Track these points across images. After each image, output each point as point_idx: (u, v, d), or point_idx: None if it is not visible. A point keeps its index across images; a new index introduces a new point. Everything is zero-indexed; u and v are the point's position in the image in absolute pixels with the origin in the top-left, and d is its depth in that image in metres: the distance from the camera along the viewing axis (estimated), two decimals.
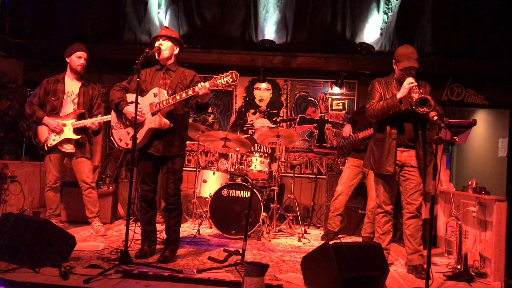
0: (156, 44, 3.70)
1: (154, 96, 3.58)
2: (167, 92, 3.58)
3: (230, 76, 3.45)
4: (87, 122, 4.54)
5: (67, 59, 4.63)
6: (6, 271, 2.96)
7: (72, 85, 4.66)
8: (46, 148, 4.53)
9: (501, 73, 6.25)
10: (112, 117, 3.85)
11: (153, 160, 3.71)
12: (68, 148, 4.59)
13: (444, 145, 3.77)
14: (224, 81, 3.45)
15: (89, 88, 4.74)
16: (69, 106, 4.61)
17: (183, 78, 3.74)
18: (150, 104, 3.58)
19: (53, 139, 4.52)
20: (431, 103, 3.32)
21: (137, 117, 3.47)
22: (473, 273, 3.70)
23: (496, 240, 3.65)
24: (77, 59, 4.60)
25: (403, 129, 3.69)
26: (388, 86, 3.77)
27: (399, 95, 3.53)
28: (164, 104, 3.52)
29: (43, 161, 4.61)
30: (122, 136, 3.75)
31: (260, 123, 6.15)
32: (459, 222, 4.01)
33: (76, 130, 4.55)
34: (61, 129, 4.51)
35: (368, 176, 4.96)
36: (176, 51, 3.80)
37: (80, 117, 4.57)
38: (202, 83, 3.45)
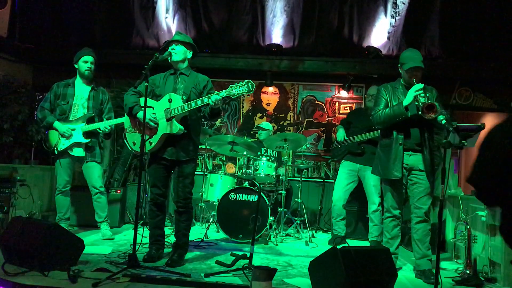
0: (170, 48, 3.71)
1: (169, 101, 3.59)
2: (181, 98, 3.59)
3: (246, 85, 3.43)
4: (99, 125, 4.54)
5: (75, 65, 4.66)
6: (15, 275, 2.98)
7: (82, 89, 4.68)
8: (56, 152, 4.55)
9: (509, 77, 6.20)
10: (125, 120, 3.86)
11: (164, 164, 3.72)
12: (78, 152, 4.60)
13: (453, 149, 3.74)
14: (240, 91, 3.44)
15: (99, 92, 4.76)
16: (79, 110, 4.64)
17: (197, 83, 3.76)
18: (164, 109, 3.59)
19: (63, 144, 4.53)
20: (437, 109, 3.32)
21: (151, 123, 3.52)
22: (482, 278, 3.68)
23: (506, 245, 3.61)
24: (84, 64, 4.62)
25: (410, 133, 3.67)
26: (394, 91, 3.76)
27: (405, 102, 3.52)
28: (179, 111, 3.52)
29: (54, 165, 4.63)
30: (136, 140, 3.76)
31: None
32: (468, 227, 3.98)
33: (86, 134, 4.56)
34: (70, 134, 4.52)
35: (364, 179, 4.93)
36: (189, 55, 3.82)
37: (89, 121, 4.58)
38: (216, 97, 3.44)
